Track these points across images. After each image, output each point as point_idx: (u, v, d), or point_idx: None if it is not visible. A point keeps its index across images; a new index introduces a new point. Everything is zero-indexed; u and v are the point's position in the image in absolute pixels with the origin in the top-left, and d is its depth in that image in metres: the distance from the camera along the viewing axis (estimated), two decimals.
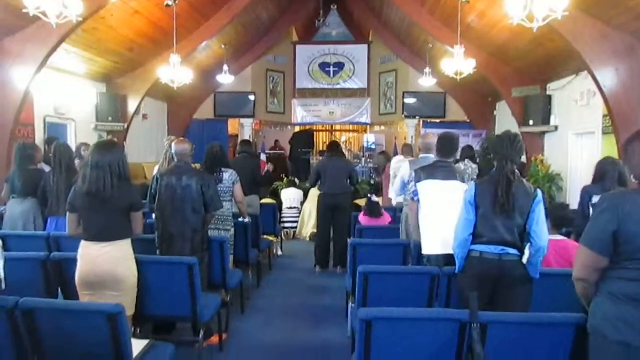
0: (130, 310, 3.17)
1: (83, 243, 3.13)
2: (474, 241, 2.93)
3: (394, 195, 6.44)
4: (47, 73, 7.01)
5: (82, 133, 8.46)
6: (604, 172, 4.10)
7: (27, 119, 6.93)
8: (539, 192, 2.91)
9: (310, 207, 8.36)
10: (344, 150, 13.40)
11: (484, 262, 2.88)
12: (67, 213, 3.19)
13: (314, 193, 7.69)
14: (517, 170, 2.93)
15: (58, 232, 4.41)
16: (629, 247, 1.92)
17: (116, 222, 3.10)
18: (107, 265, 3.05)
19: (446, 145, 3.98)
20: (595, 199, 3.73)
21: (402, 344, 2.35)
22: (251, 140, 10.55)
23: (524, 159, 9.15)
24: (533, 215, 2.86)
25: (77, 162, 5.11)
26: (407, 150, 7.40)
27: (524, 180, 2.95)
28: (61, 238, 4.19)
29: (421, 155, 4.85)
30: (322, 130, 15.81)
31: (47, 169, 6.19)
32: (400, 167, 4.85)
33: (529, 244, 2.86)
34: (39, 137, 7.25)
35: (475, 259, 2.92)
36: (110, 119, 8.95)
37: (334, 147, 6.99)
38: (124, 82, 9.23)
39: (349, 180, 6.62)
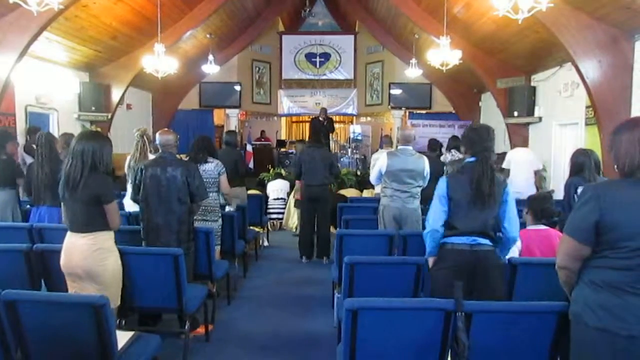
0: (113, 303, 3.16)
1: (67, 233, 3.11)
2: (447, 233, 2.96)
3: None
4: (28, 61, 6.88)
5: (65, 123, 8.34)
6: (581, 164, 4.21)
7: (7, 109, 6.80)
8: (508, 183, 2.98)
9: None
10: (329, 141, 13.51)
11: (457, 253, 2.92)
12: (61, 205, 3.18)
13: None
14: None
15: (40, 222, 4.37)
16: (611, 237, 1.95)
17: (86, 213, 3.03)
18: (78, 257, 3.02)
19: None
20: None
21: (387, 333, 2.37)
22: (236, 131, 10.47)
23: (509, 149, 9.27)
24: (505, 206, 2.96)
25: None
26: (387, 140, 7.47)
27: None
28: (44, 229, 4.13)
29: (400, 147, 4.89)
30: (309, 121, 15.78)
31: (28, 158, 6.11)
32: (379, 158, 4.88)
33: (501, 234, 2.99)
34: (21, 127, 7.13)
35: (448, 250, 2.95)
36: (93, 108, 8.83)
37: (315, 137, 6.92)
38: (108, 71, 9.08)
39: (330, 171, 6.50)
